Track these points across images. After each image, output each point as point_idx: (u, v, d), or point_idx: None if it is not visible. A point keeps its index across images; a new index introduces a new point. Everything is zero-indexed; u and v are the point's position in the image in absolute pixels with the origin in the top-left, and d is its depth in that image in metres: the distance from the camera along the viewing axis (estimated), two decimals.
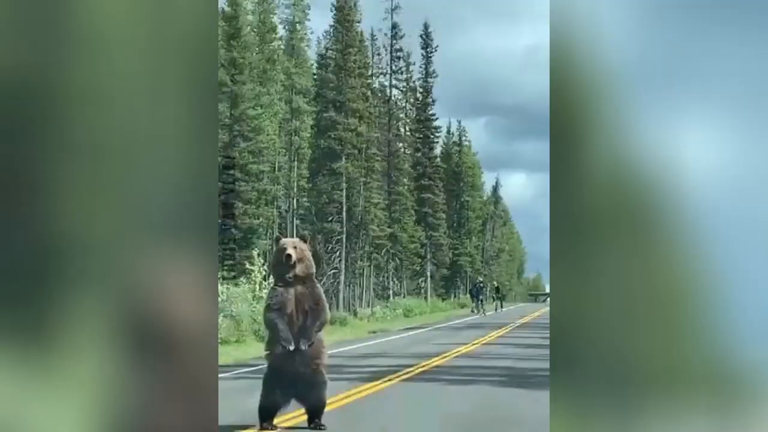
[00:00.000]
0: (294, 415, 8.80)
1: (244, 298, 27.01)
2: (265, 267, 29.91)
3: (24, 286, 3.99)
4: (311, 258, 8.58)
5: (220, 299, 25.62)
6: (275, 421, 8.43)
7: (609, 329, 4.45)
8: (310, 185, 47.93)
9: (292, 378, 8.27)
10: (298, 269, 8.40)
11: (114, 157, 4.19)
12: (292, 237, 9.64)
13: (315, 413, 8.45)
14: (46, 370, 4.03)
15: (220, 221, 21.08)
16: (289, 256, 8.36)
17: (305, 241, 8.66)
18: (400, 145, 60.49)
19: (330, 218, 46.29)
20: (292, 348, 8.17)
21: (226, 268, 35.37)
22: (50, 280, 4.05)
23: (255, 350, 19.61)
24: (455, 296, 73.43)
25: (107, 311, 4.11)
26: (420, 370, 15.46)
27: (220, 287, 26.21)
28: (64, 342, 4.06)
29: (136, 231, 4.19)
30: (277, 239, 8.75)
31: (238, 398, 10.98)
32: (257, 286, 28.90)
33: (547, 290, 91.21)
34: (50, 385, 4.04)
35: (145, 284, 4.14)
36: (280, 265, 8.43)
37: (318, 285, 8.64)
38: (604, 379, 4.42)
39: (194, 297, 4.26)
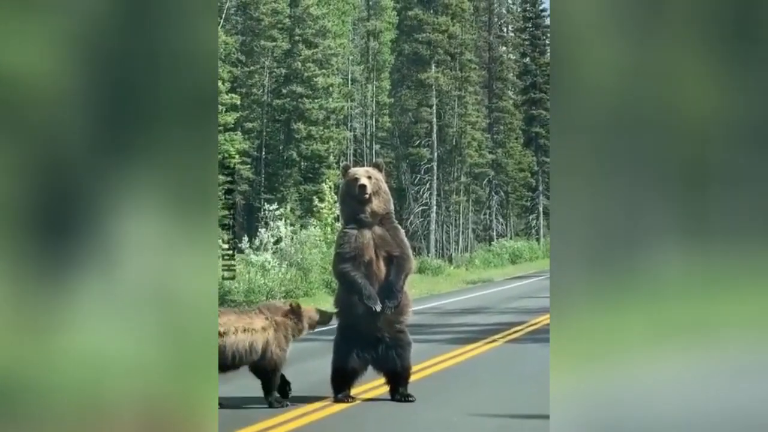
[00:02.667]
0: (373, 385, 8.86)
1: (313, 243, 27.27)
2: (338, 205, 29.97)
3: None
4: (388, 191, 8.49)
5: (284, 244, 25.95)
6: (352, 391, 8.50)
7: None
8: (392, 101, 47.77)
9: (369, 340, 8.29)
10: (375, 205, 8.30)
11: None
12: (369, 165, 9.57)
13: (398, 382, 8.46)
14: None
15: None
16: (364, 186, 8.23)
17: (380, 170, 8.53)
18: (504, 49, 59.59)
19: (417, 142, 46.11)
20: (378, 308, 8.11)
21: (290, 206, 35.77)
22: None
23: (327, 306, 19.85)
24: None
25: None
26: (530, 328, 15.41)
27: (283, 229, 26.52)
28: None
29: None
30: (345, 168, 8.61)
31: (306, 364, 11.12)
32: (329, 228, 29.15)
33: None
34: None
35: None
36: (352, 199, 8.34)
37: (398, 225, 8.57)
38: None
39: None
